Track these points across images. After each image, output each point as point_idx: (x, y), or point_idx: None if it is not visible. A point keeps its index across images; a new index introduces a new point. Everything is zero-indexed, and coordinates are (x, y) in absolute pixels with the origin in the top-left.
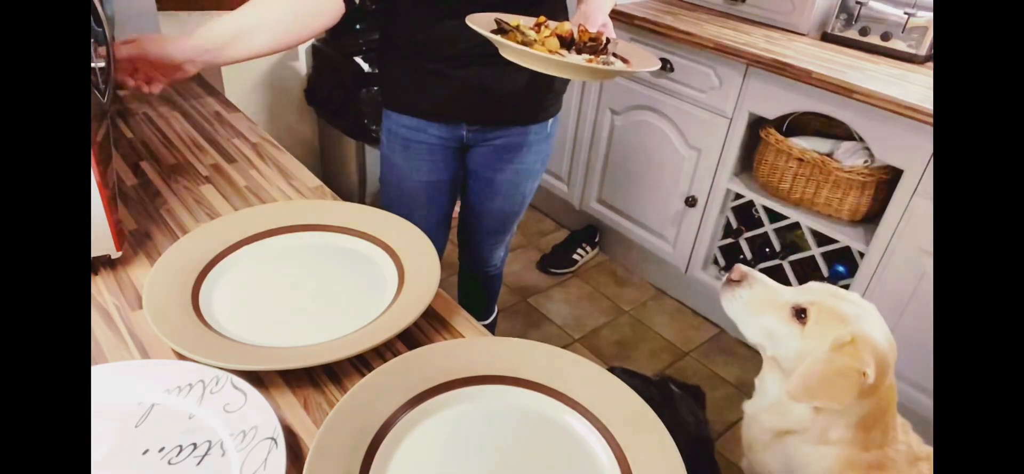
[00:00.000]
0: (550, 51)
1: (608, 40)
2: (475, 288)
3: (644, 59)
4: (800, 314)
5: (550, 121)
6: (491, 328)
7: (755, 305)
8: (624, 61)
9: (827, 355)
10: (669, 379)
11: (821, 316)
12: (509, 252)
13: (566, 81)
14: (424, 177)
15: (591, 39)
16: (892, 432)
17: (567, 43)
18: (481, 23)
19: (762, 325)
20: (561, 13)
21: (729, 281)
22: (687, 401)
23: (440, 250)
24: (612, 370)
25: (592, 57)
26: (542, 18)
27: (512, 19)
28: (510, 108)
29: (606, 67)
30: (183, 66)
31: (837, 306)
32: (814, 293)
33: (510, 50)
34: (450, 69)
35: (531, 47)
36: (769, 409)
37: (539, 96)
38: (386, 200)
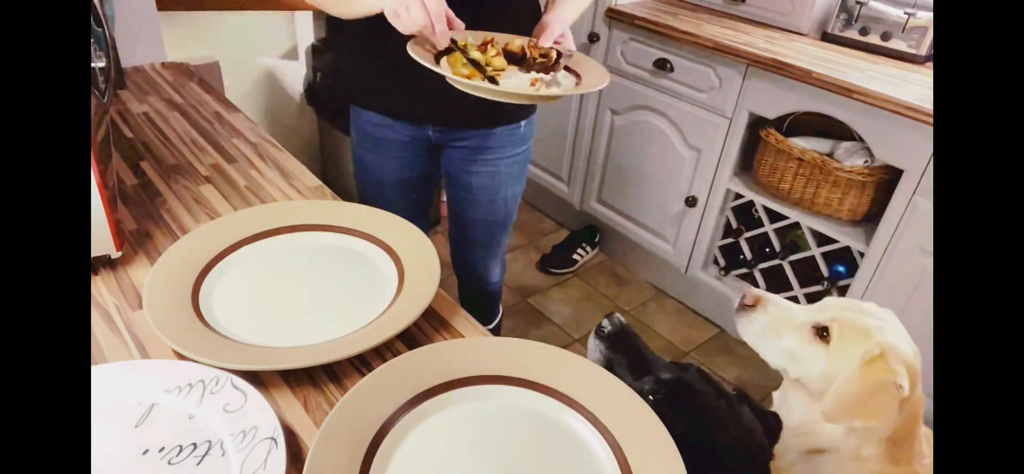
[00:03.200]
0: (493, 72)
1: (560, 55)
2: (475, 301)
3: (594, 77)
4: (822, 333)
5: (523, 123)
6: (495, 332)
7: (773, 329)
8: (577, 76)
9: (859, 372)
10: (746, 398)
11: (844, 333)
12: (507, 267)
13: None
14: (396, 174)
15: (542, 55)
16: (918, 444)
17: (518, 59)
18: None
19: (783, 348)
20: (530, 15)
21: (743, 306)
22: (754, 426)
23: None
24: (689, 368)
25: (537, 77)
26: (490, 36)
27: (461, 38)
28: (474, 109)
29: (539, 93)
30: None
31: (859, 320)
32: (832, 309)
33: (451, 80)
34: (412, 68)
35: (477, 68)
36: (795, 431)
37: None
38: (361, 197)
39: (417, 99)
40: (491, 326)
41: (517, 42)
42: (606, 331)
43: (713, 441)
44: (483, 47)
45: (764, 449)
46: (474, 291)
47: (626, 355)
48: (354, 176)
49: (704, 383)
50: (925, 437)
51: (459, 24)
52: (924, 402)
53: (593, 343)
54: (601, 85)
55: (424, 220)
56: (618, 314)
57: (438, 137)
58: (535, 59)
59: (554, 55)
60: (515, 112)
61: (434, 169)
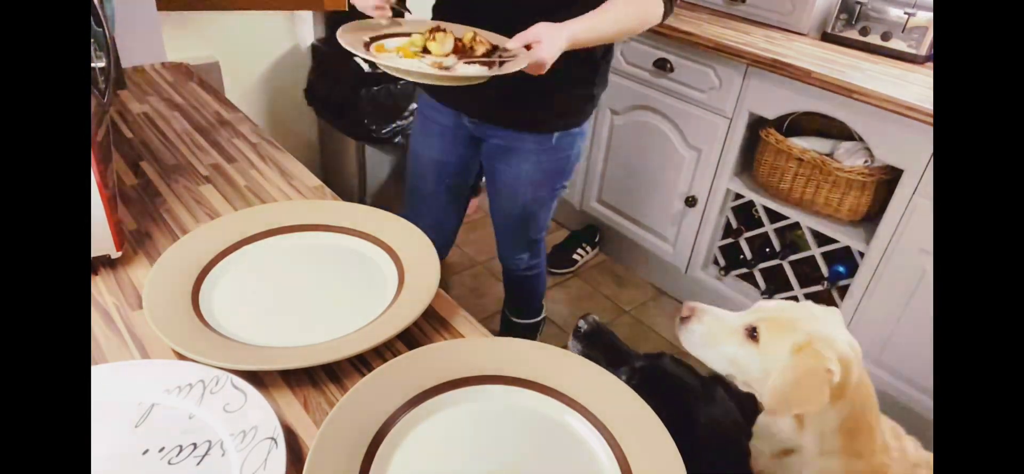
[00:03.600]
0: (425, 56)
1: (495, 49)
2: (507, 283)
3: (508, 67)
4: (753, 333)
5: (555, 135)
6: (533, 329)
7: (710, 337)
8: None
9: (790, 360)
10: (720, 380)
11: (771, 328)
12: (536, 261)
13: (579, 99)
14: (433, 154)
15: (470, 48)
16: (879, 436)
17: (466, 50)
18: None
19: (722, 354)
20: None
21: (682, 319)
22: (729, 405)
23: (449, 235)
24: (661, 356)
25: (439, 61)
26: (438, 23)
27: (417, 27)
28: (501, 109)
29: (428, 71)
30: None
31: (784, 315)
32: (762, 311)
33: (377, 60)
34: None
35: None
36: (760, 437)
37: (531, 105)
38: (408, 175)
39: (453, 90)
40: (530, 321)
41: (469, 35)
42: (582, 331)
43: (691, 419)
44: (432, 34)
45: (741, 426)
46: (506, 275)
47: (602, 351)
48: (408, 155)
49: (677, 367)
50: (891, 429)
51: (388, 14)
52: (872, 392)
53: (571, 343)
54: (499, 72)
55: (454, 207)
56: (593, 314)
57: (474, 129)
58: (466, 50)
59: (486, 49)
60: (549, 120)
61: (472, 161)
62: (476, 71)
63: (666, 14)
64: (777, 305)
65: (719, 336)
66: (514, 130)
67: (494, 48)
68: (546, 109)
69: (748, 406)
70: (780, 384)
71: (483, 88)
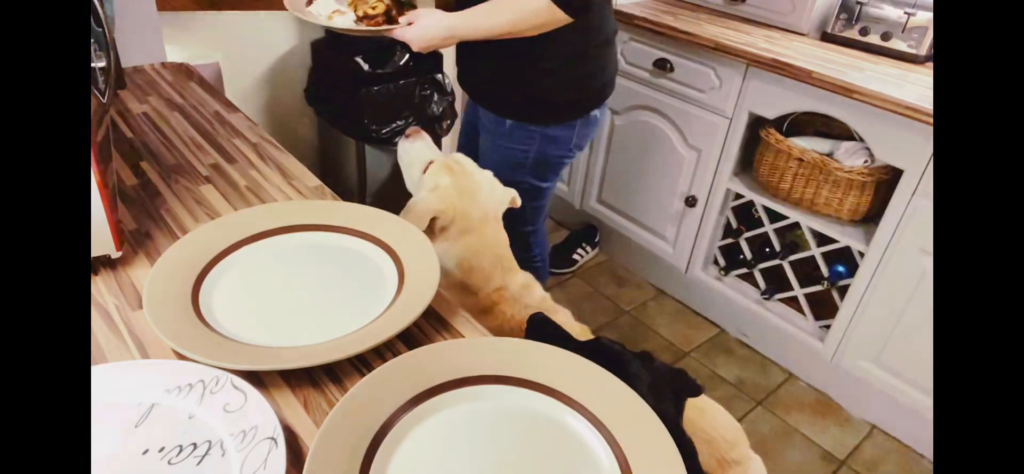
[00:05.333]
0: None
1: (391, 15)
2: None
3: (388, 32)
4: (427, 168)
5: (507, 122)
6: None
7: (411, 161)
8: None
9: (424, 195)
10: (652, 357)
11: (434, 169)
12: (526, 256)
13: (530, 95)
14: (465, 115)
15: (375, 12)
16: (495, 281)
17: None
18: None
19: (410, 175)
20: None
21: (406, 135)
22: (663, 380)
23: None
24: (599, 340)
25: (337, 11)
26: None
27: None
28: (470, 79)
29: (324, 21)
30: None
31: (454, 165)
32: (448, 156)
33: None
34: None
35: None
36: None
37: (488, 84)
38: None
39: (460, 58)
40: None
41: (382, 5)
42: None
43: (635, 385)
44: None
45: (664, 396)
46: None
47: (552, 341)
48: None
49: (613, 344)
50: (521, 285)
51: None
52: (496, 250)
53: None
54: (357, 31)
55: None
56: (539, 312)
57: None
58: (368, 14)
59: (383, 15)
60: (501, 104)
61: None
62: (340, 23)
63: (571, 9)
64: (457, 159)
65: (415, 161)
66: (477, 103)
67: (393, 18)
68: (499, 92)
69: (689, 381)
70: (410, 205)
71: (467, 60)
